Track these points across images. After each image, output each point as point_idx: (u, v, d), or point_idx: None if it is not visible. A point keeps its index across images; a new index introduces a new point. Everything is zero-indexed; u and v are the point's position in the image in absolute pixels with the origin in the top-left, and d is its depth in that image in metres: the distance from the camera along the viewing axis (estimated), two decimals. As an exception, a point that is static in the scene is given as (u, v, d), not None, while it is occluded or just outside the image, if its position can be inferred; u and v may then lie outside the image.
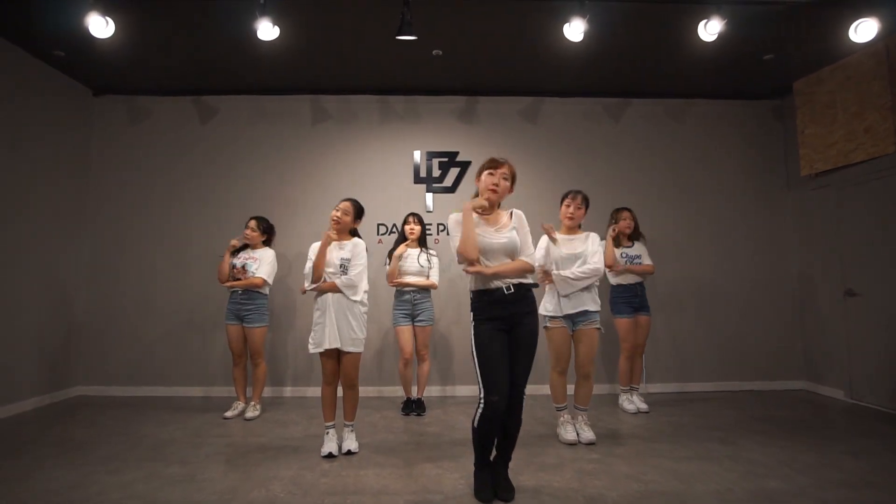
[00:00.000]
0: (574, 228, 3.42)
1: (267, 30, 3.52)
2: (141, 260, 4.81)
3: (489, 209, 2.50)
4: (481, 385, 2.33)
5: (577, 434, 3.28)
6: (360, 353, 3.07)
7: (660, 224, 4.92)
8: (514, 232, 2.47)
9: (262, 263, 3.94)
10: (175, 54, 4.22)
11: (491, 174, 2.50)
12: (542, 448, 3.15)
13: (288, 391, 4.70)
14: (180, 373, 4.70)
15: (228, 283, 3.94)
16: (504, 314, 2.38)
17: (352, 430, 3.21)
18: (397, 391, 4.51)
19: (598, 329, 3.29)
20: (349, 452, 3.08)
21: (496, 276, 2.39)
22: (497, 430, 2.38)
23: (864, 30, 3.51)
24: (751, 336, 4.91)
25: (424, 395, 4.21)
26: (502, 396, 2.29)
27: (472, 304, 2.46)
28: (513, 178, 2.56)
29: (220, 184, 4.89)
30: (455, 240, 2.42)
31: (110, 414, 4.00)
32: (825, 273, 4.67)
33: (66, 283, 4.58)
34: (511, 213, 2.56)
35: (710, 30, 3.52)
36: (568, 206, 3.37)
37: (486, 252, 2.42)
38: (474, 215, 2.47)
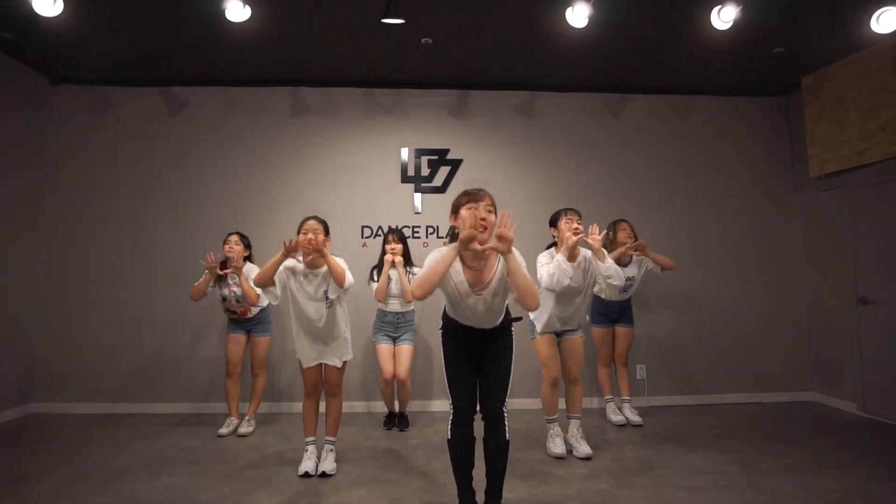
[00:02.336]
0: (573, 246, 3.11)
1: (237, 10, 3.20)
2: (102, 265, 4.39)
3: (480, 256, 2.12)
4: (448, 391, 2.23)
5: (572, 448, 3.16)
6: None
7: (661, 227, 4.64)
8: (497, 287, 2.14)
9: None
10: (138, 38, 3.82)
11: (473, 208, 2.08)
12: (543, 478, 2.83)
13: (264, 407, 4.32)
14: (145, 389, 4.30)
15: (228, 313, 3.72)
16: (472, 336, 2.25)
17: (332, 449, 2.92)
18: (381, 406, 4.16)
19: (583, 336, 3.26)
20: (323, 474, 2.79)
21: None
22: (470, 441, 2.18)
23: (887, 19, 3.27)
24: (757, 345, 4.65)
25: (408, 409, 3.94)
26: (468, 403, 2.19)
27: (442, 318, 2.34)
28: (496, 209, 2.15)
29: (190, 182, 4.50)
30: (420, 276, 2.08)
31: (63, 436, 3.59)
32: (836, 279, 4.43)
33: (18, 289, 4.16)
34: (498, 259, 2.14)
35: (724, 17, 3.26)
36: (570, 220, 3.05)
37: (461, 307, 2.18)
38: (456, 262, 2.11)
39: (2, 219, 4.02)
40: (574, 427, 3.21)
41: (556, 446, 3.15)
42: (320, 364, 2.86)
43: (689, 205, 4.74)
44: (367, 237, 4.51)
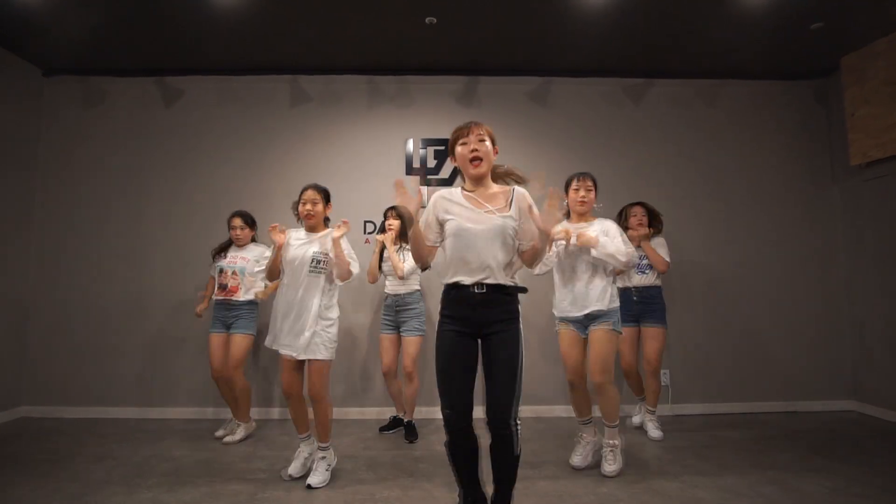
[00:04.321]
0: (586, 215, 2.93)
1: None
2: (96, 262, 4.20)
3: (473, 183, 2.06)
4: (439, 393, 1.96)
5: (595, 460, 2.86)
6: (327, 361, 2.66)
7: (686, 222, 4.30)
8: (511, 219, 1.98)
9: (248, 272, 3.48)
10: (130, 23, 3.61)
11: (465, 143, 2.03)
12: (563, 489, 2.53)
13: (262, 413, 4.09)
14: (137, 393, 4.09)
15: (219, 290, 3.49)
16: (471, 316, 1.93)
17: (323, 457, 2.69)
18: (385, 412, 3.89)
19: (614, 331, 2.75)
20: (309, 487, 2.56)
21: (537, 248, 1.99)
22: (470, 449, 1.95)
23: (946, -17, 2.90)
24: (791, 349, 4.27)
25: (415, 416, 3.62)
26: (458, 412, 1.88)
27: (441, 298, 2.04)
28: (491, 137, 2.05)
29: (186, 174, 4.29)
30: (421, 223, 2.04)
31: (49, 442, 3.39)
32: (879, 277, 4.04)
33: (7, 286, 3.99)
34: (512, 193, 2.05)
35: (759, -16, 2.92)
36: (577, 189, 2.89)
37: (468, 241, 1.95)
38: (461, 193, 2.05)
39: (-11, 214, 3.86)
40: (607, 436, 2.84)
41: (575, 455, 2.90)
42: (297, 361, 2.62)
43: (716, 198, 4.38)
44: (369, 232, 4.25)
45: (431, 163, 4.34)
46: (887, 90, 3.80)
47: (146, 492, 2.58)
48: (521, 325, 1.99)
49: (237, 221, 3.52)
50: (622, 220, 3.64)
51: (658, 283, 3.59)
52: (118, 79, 4.31)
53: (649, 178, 4.35)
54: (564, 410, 3.99)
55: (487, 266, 1.93)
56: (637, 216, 3.62)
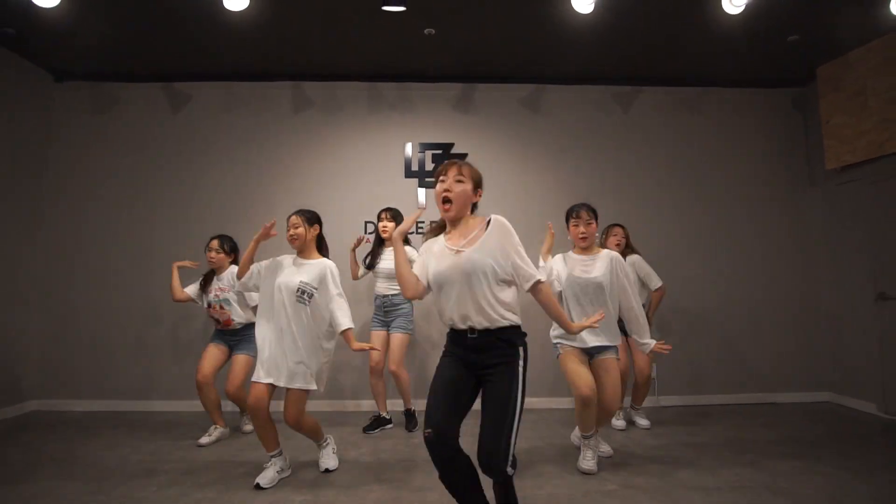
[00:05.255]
0: (590, 248, 2.87)
1: (235, -1, 3.12)
2: (104, 262, 4.36)
3: (450, 225, 1.97)
4: None
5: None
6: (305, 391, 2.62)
7: (673, 223, 4.53)
8: (480, 252, 1.84)
9: (234, 299, 3.41)
10: (139, 32, 3.79)
11: (441, 181, 1.93)
12: (551, 476, 2.73)
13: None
14: (143, 387, 4.25)
15: (214, 322, 3.47)
16: (465, 358, 1.87)
17: (326, 445, 2.88)
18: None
19: (617, 359, 2.83)
20: (327, 470, 2.75)
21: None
22: (458, 477, 1.81)
23: (907, 2, 3.14)
24: (772, 344, 4.50)
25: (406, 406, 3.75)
26: (437, 433, 1.75)
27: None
28: (474, 180, 1.95)
29: (192, 178, 4.45)
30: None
31: (59, 434, 3.54)
32: (854, 275, 4.28)
33: (18, 285, 4.13)
34: (488, 223, 1.91)
35: (735, 1, 3.14)
36: (576, 225, 2.82)
37: (440, 280, 1.88)
38: (443, 236, 1.98)
39: (1, 216, 4.00)
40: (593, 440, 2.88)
41: (587, 460, 2.79)
42: (271, 386, 2.57)
43: (701, 201, 4.61)
44: (370, 233, 4.43)
45: (429, 166, 4.53)
46: (859, 100, 4.04)
47: (162, 475, 2.74)
48: (523, 365, 1.86)
49: (214, 244, 3.47)
50: (603, 240, 3.74)
51: (645, 301, 3.72)
52: (127, 84, 4.47)
53: (636, 181, 4.57)
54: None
55: (466, 315, 1.84)
56: (617, 237, 3.74)
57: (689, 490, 2.54)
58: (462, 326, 1.86)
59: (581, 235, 2.80)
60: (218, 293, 3.40)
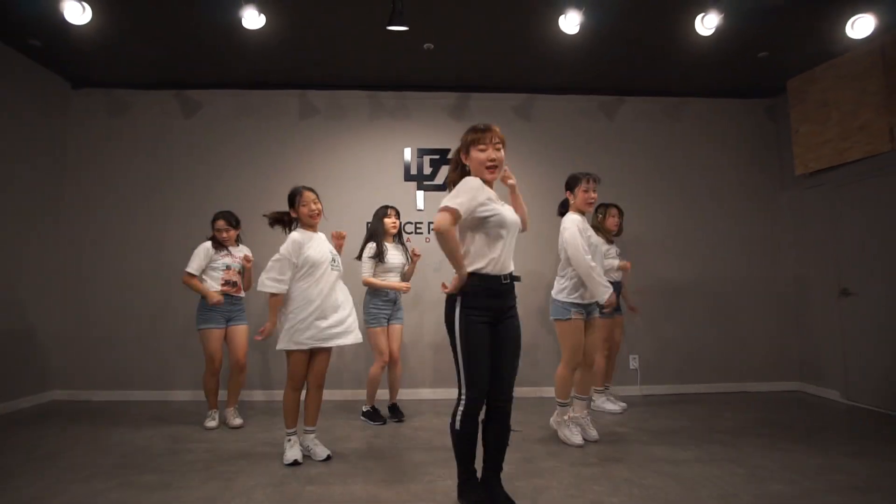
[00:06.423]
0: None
1: (252, 18, 3.39)
2: (119, 260, 4.61)
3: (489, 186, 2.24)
4: (463, 380, 2.11)
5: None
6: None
7: (653, 223, 4.86)
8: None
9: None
10: (157, 44, 4.05)
11: (483, 149, 2.16)
12: (537, 451, 3.04)
13: (258, 395, 4.53)
14: (159, 377, 4.52)
15: (226, 286, 3.63)
16: (495, 306, 2.13)
17: (315, 437, 3.03)
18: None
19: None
20: (328, 458, 2.91)
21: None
22: (477, 431, 2.14)
23: (861, 26, 3.47)
24: (745, 337, 4.85)
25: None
26: (483, 394, 2.10)
27: (469, 284, 2.09)
28: (504, 145, 2.23)
29: (202, 181, 4.72)
30: (459, 204, 2.05)
31: (84, 420, 3.80)
32: (820, 272, 4.63)
33: (38, 283, 4.38)
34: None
35: (707, 24, 3.45)
36: (587, 191, 3.21)
37: (510, 227, 2.18)
38: (485, 188, 2.18)
39: (24, 216, 4.24)
40: (583, 407, 3.26)
41: (575, 435, 3.14)
42: (309, 353, 2.84)
43: (681, 202, 4.94)
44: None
45: (427, 170, 4.83)
46: (823, 111, 4.39)
47: (187, 454, 3.01)
48: None
49: (221, 223, 3.66)
50: (601, 219, 4.06)
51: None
52: (141, 91, 4.72)
53: (621, 185, 4.87)
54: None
55: (509, 262, 2.18)
56: (615, 217, 4.09)
57: (661, 461, 2.86)
58: (504, 272, 2.15)
59: (590, 201, 3.22)
60: (236, 259, 3.70)
